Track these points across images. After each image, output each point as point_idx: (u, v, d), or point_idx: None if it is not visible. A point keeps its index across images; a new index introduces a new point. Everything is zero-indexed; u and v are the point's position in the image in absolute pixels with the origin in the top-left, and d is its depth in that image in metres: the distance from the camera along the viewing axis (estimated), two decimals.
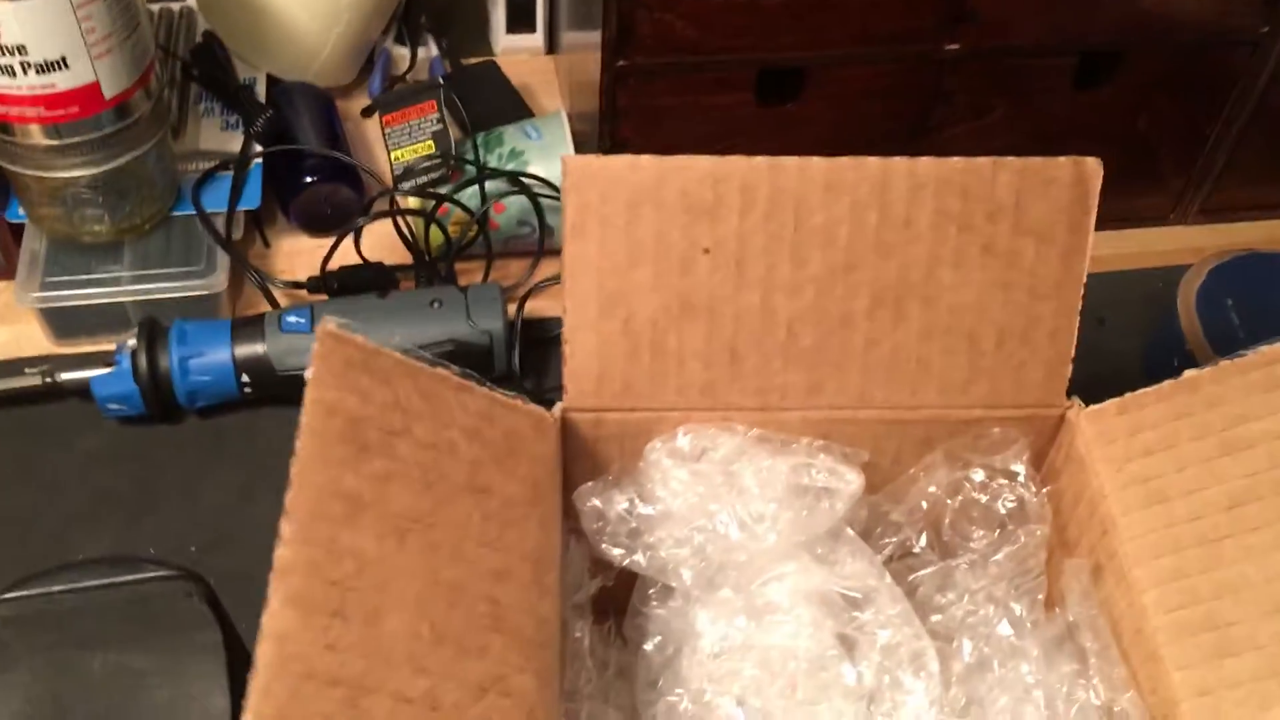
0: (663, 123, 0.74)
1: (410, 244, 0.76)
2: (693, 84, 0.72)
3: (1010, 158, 0.47)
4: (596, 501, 0.48)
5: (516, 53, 0.94)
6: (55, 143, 0.67)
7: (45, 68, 0.63)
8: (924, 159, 0.46)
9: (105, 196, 0.70)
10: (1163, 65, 0.76)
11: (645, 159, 0.46)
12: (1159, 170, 0.82)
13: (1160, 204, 0.84)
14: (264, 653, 0.36)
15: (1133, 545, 0.46)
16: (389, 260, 0.76)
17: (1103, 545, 0.48)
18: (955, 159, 0.47)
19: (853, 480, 0.48)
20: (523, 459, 0.46)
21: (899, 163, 0.46)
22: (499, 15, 0.93)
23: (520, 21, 0.94)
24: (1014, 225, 0.47)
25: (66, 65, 0.64)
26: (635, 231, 0.47)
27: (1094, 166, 0.47)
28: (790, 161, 0.46)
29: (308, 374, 0.42)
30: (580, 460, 0.50)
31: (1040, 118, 0.76)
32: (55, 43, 0.63)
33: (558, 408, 0.49)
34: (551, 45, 0.95)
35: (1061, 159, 0.47)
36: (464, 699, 0.39)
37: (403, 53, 0.91)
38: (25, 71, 0.63)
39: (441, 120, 0.78)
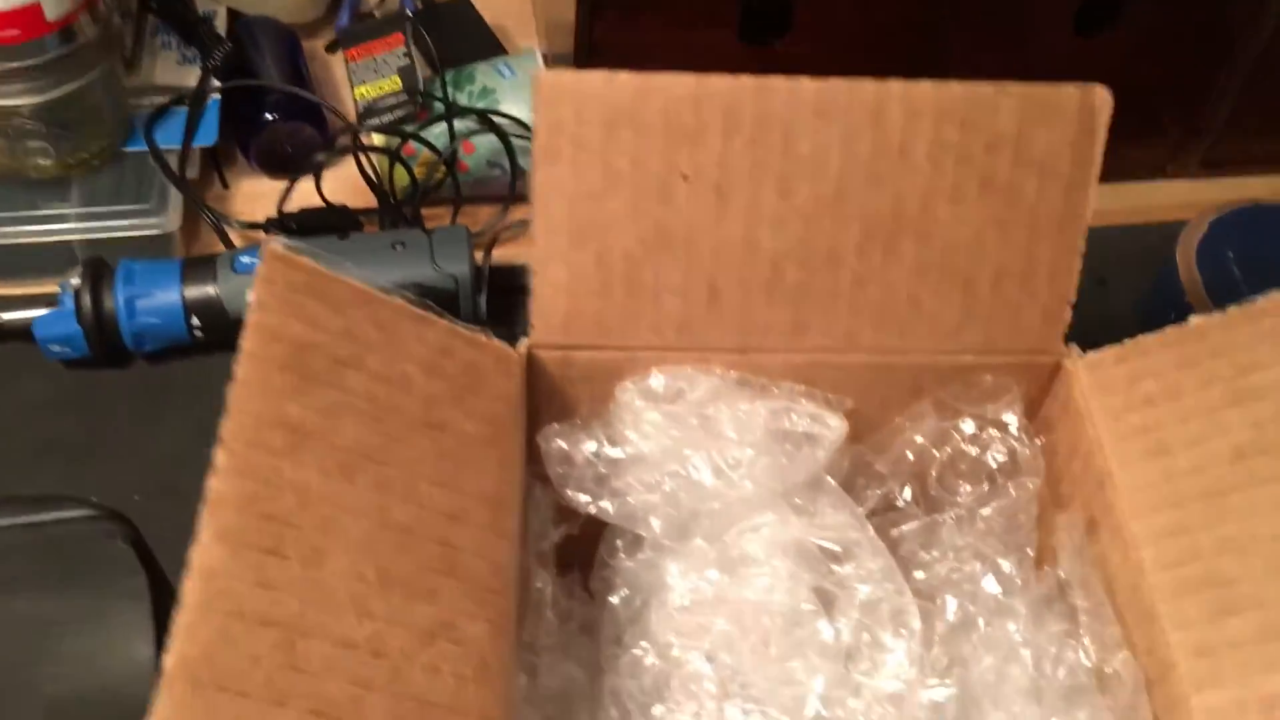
0: (641, 63, 0.71)
1: (374, 185, 0.72)
2: (673, 18, 0.69)
3: (1013, 84, 0.44)
4: (562, 443, 0.45)
5: None
6: None
7: None
8: (922, 83, 0.43)
9: (50, 128, 0.67)
10: (1165, 10, 0.73)
11: (623, 75, 0.43)
12: (1158, 120, 0.78)
13: (1159, 156, 0.81)
14: (190, 589, 0.33)
15: (1130, 499, 0.43)
16: (354, 204, 0.72)
17: (1098, 499, 0.45)
18: (955, 84, 0.44)
19: (835, 427, 0.45)
20: (483, 396, 0.43)
21: (894, 87, 0.43)
22: None
23: None
24: (1015, 157, 0.44)
25: None
26: (611, 155, 0.44)
27: (1103, 96, 0.44)
28: (778, 82, 0.43)
29: (249, 296, 0.39)
30: (546, 401, 0.47)
31: (1038, 61, 0.73)
32: None
33: (523, 344, 0.46)
34: None
35: (1068, 87, 0.44)
36: (410, 645, 0.36)
37: None
38: None
39: (408, 55, 0.74)
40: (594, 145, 0.43)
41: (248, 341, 0.38)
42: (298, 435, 0.37)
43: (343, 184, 0.73)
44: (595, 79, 0.43)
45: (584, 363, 0.46)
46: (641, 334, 0.46)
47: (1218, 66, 0.76)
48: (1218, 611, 0.40)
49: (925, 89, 0.43)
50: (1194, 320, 0.45)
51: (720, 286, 0.45)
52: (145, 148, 0.71)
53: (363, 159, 0.72)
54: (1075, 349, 0.47)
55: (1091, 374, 0.46)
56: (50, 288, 0.66)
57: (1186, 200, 0.80)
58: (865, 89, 0.43)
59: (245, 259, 0.66)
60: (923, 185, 0.44)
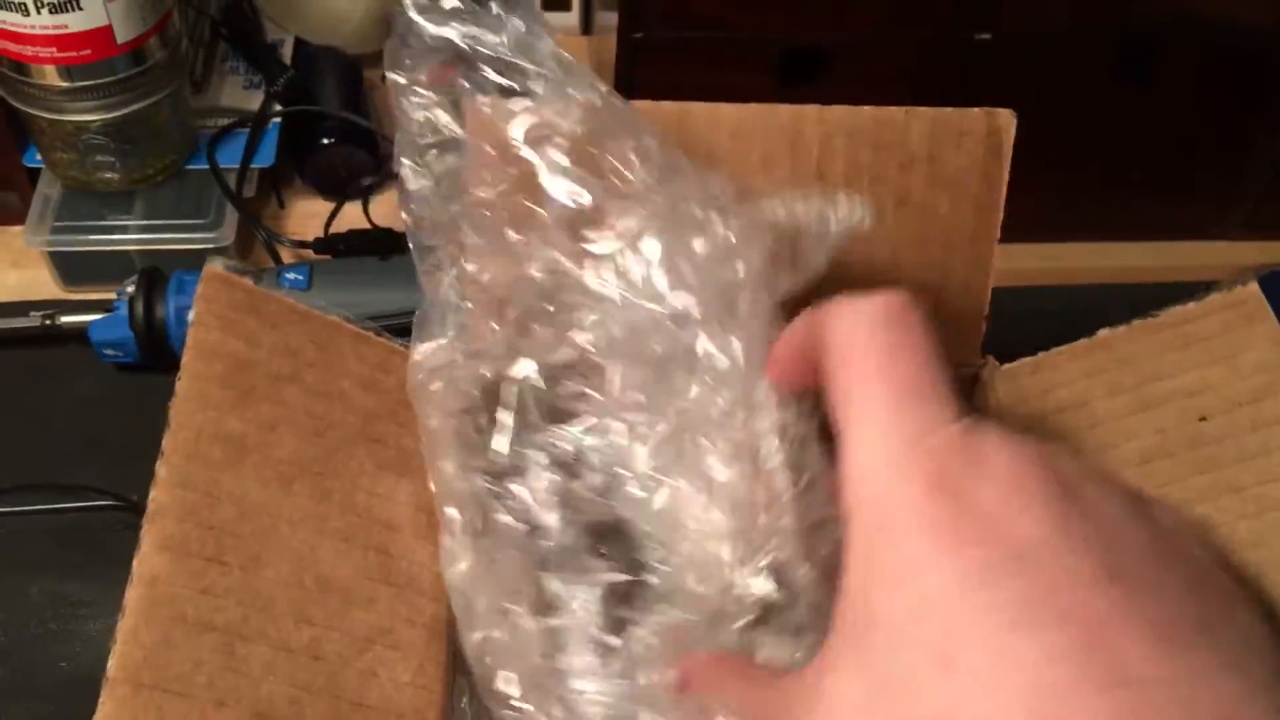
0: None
1: None
2: (712, 62, 0.69)
3: (922, 108, 0.46)
4: None
5: (551, 31, 0.91)
6: (68, 85, 0.67)
7: (58, 8, 0.64)
8: (836, 107, 0.45)
9: (118, 143, 0.71)
10: (1205, 63, 0.71)
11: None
12: (1200, 177, 0.76)
13: (1200, 215, 0.78)
14: (133, 597, 0.35)
15: None
16: (400, 228, 0.74)
17: None
18: (866, 108, 0.46)
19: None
20: None
21: (810, 110, 0.45)
22: None
23: (556, 1, 0.91)
24: (927, 177, 0.47)
25: (79, 6, 0.64)
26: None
27: (1008, 118, 0.46)
28: (697, 108, 0.45)
29: (190, 315, 0.41)
30: None
31: (1075, 114, 0.72)
32: None
33: None
34: (587, 26, 0.92)
35: (975, 110, 0.46)
36: (348, 650, 0.38)
37: None
38: (39, 10, 0.63)
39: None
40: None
41: (188, 358, 0.40)
42: (237, 448, 0.39)
43: (394, 207, 0.76)
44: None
45: None
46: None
47: (1262, 121, 0.74)
48: None
49: (839, 113, 0.45)
50: (1101, 333, 0.47)
51: None
52: (207, 166, 0.74)
53: None
54: (992, 360, 0.49)
55: (1006, 385, 0.49)
56: (109, 294, 0.69)
57: (1226, 261, 0.77)
58: (782, 113, 0.45)
59: (290, 275, 0.68)
60: None
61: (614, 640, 0.39)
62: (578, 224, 0.39)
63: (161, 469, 0.37)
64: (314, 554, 0.39)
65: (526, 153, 0.40)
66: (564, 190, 0.39)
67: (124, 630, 0.34)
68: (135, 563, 0.35)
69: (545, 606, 0.40)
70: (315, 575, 0.38)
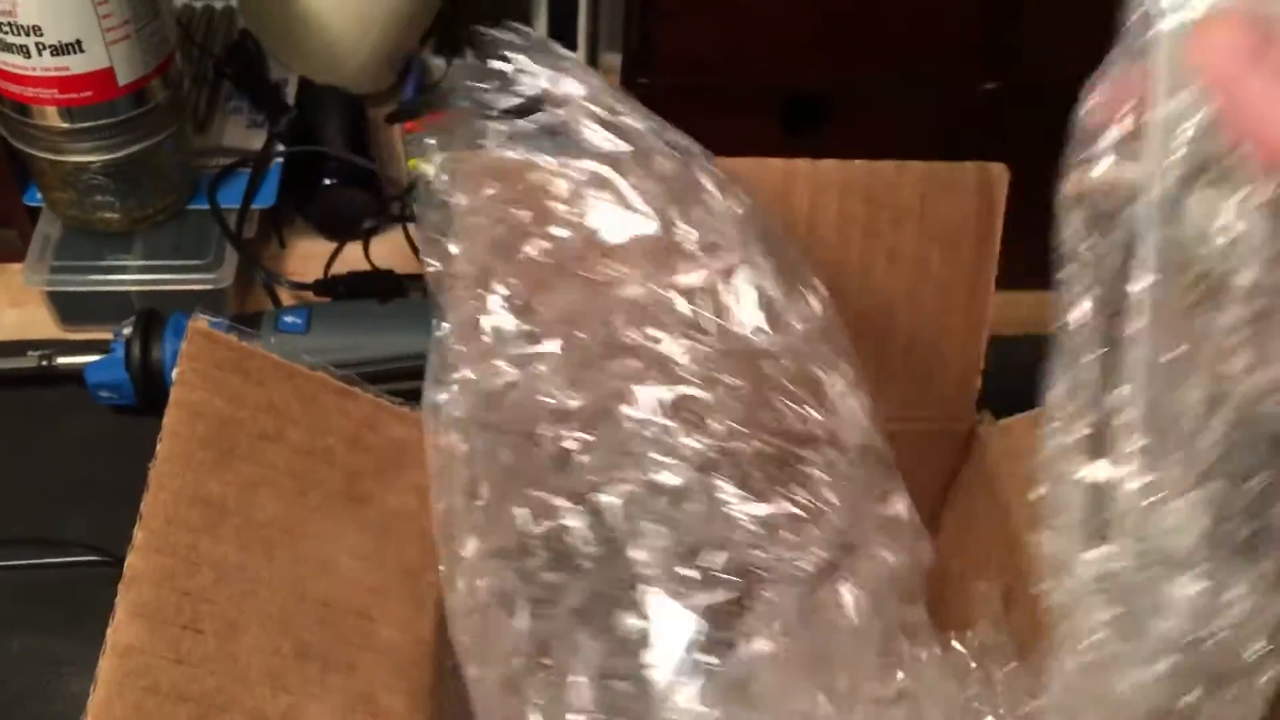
0: None
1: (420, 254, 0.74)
2: (716, 108, 0.69)
3: (914, 161, 0.45)
4: None
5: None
6: (69, 126, 0.67)
7: (60, 50, 0.64)
8: (827, 161, 0.45)
9: (118, 184, 0.70)
10: None
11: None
12: None
13: None
14: (105, 667, 0.34)
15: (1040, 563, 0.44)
16: (403, 270, 0.74)
17: (1010, 564, 0.46)
18: (859, 162, 0.45)
19: None
20: (408, 469, 0.44)
21: (801, 164, 0.45)
22: (540, 32, 0.91)
23: (561, 40, 0.91)
24: (920, 231, 0.46)
25: (81, 49, 0.64)
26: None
27: (999, 172, 0.46)
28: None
29: (174, 374, 0.40)
30: None
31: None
32: (70, 25, 0.63)
33: None
34: (592, 67, 0.92)
35: (967, 164, 0.46)
36: (326, 718, 0.37)
37: (439, 63, 0.89)
38: (40, 53, 0.63)
39: None
40: None
41: (169, 419, 0.39)
42: (217, 511, 0.38)
43: (396, 249, 0.75)
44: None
45: None
46: None
47: None
48: None
49: (829, 166, 0.45)
50: None
51: None
52: (207, 206, 0.73)
53: (410, 228, 0.73)
54: (989, 415, 0.49)
55: (1004, 440, 0.48)
56: (107, 334, 0.68)
57: None
58: (773, 166, 0.45)
59: (288, 319, 0.67)
60: (832, 258, 0.46)
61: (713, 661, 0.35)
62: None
63: (139, 533, 0.37)
64: (293, 620, 0.38)
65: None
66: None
67: (96, 702, 0.33)
68: (109, 631, 0.35)
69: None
70: (294, 641, 0.38)
